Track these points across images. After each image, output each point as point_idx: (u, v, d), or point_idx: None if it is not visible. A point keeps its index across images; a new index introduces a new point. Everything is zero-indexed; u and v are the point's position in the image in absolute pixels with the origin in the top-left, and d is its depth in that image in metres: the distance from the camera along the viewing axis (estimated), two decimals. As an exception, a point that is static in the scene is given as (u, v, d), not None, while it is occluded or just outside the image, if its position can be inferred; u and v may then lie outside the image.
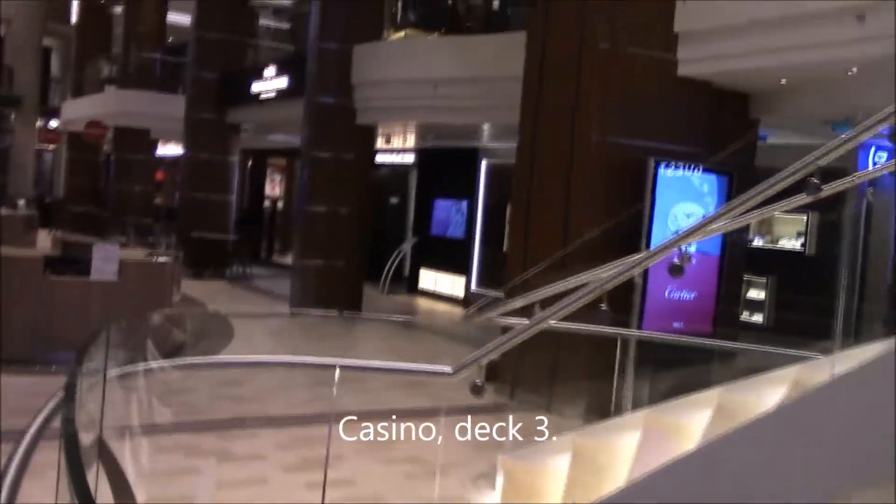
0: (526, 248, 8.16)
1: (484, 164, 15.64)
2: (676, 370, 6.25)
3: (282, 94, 15.44)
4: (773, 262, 10.39)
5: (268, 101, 15.95)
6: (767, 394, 4.33)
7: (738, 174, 7.73)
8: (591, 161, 7.58)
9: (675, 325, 7.29)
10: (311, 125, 13.14)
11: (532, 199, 8.19)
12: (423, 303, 16.11)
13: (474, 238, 15.71)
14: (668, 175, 7.35)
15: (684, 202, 7.44)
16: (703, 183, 7.53)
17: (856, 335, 9.92)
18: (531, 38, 8.33)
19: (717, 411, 4.30)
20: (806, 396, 2.57)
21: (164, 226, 22.07)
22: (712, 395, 4.73)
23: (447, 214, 16.60)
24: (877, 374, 2.32)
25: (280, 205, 23.98)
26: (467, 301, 15.60)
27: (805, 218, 10.39)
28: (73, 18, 28.76)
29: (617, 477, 4.53)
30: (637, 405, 6.61)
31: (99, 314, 8.42)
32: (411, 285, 17.21)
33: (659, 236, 7.34)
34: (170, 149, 25.95)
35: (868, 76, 7.00)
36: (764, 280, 10.42)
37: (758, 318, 10.41)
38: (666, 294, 7.28)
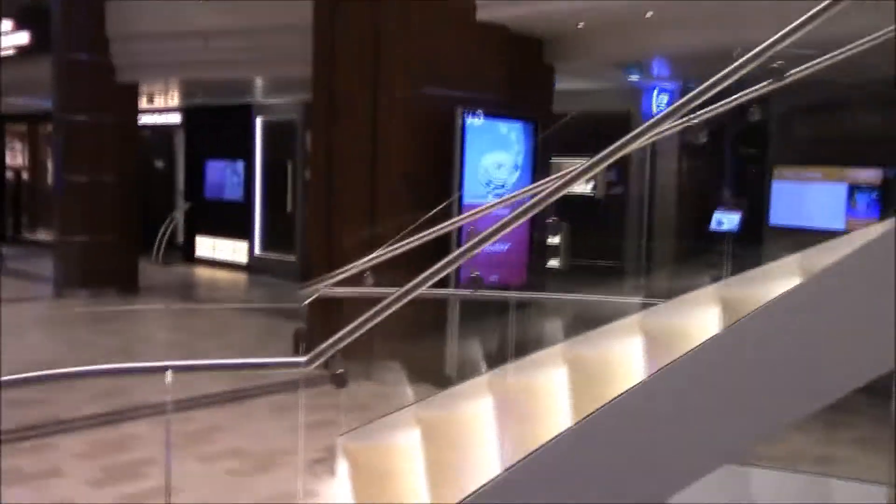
0: (330, 211, 7.63)
1: (259, 121, 14.78)
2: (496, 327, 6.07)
3: (23, 51, 13.68)
4: (565, 208, 10.54)
5: (7, 59, 14.08)
6: (617, 346, 4.20)
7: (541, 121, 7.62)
8: (397, 113, 7.16)
9: (492, 277, 7.08)
10: (62, 85, 11.69)
11: (334, 158, 7.64)
12: (202, 272, 15.11)
13: (254, 200, 14.88)
14: (476, 125, 7.07)
15: (494, 152, 7.21)
16: (510, 131, 7.33)
17: (647, 272, 10.32)
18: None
19: (571, 368, 4.10)
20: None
21: None
22: (556, 352, 4.53)
23: (221, 176, 15.60)
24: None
25: (25, 176, 21.63)
26: (251, 267, 14.81)
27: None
28: None
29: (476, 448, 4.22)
30: (467, 367, 6.38)
31: None
32: (187, 253, 16.10)
33: (471, 188, 7.08)
34: None
35: (662, 19, 7.06)
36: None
37: (554, 262, 10.54)
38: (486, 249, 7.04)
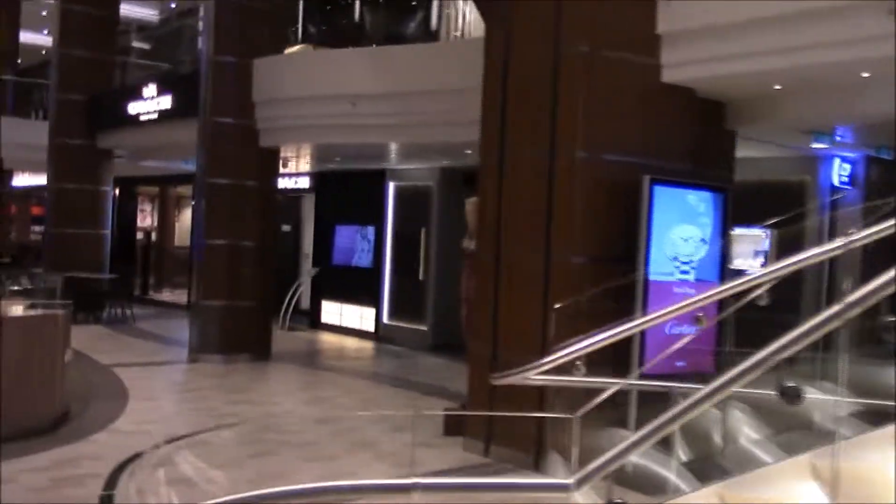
0: (497, 283, 7.09)
1: (392, 186, 14.52)
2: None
3: (165, 115, 13.84)
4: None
5: (148, 122, 14.30)
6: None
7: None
8: (576, 180, 6.61)
9: (678, 364, 6.38)
10: (207, 148, 11.66)
11: (502, 227, 7.14)
12: (329, 338, 14.79)
13: (383, 266, 14.55)
14: (664, 194, 6.47)
15: (682, 224, 6.57)
16: (699, 201, 6.69)
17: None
18: (492, 41, 7.29)
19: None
20: None
21: (21, 265, 19.80)
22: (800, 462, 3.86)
23: (351, 242, 15.36)
24: None
25: (153, 237, 22.04)
26: (379, 335, 14.41)
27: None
28: None
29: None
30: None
31: (-26, 386, 6.79)
32: (313, 319, 15.84)
33: (658, 262, 6.44)
34: (24, 179, 23.53)
35: (874, 80, 6.36)
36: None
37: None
38: (667, 330, 6.37)
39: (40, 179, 24.50)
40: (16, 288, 9.23)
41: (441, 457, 7.16)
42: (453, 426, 7.93)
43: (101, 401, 8.68)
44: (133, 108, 14.58)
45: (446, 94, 9.46)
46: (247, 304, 11.71)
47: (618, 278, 6.41)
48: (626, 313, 6.55)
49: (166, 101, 13.78)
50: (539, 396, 6.19)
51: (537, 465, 6.67)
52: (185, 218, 22.45)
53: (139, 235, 21.65)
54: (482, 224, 7.39)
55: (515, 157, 7.06)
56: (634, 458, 4.84)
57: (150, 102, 14.14)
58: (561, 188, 6.64)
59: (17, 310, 7.42)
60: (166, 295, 20.06)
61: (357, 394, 9.94)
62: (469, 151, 11.27)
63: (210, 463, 6.68)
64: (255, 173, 11.75)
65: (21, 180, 23.37)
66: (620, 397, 6.12)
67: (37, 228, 27.43)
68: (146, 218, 22.79)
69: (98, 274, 15.76)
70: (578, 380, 4.55)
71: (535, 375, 4.65)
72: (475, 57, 7.61)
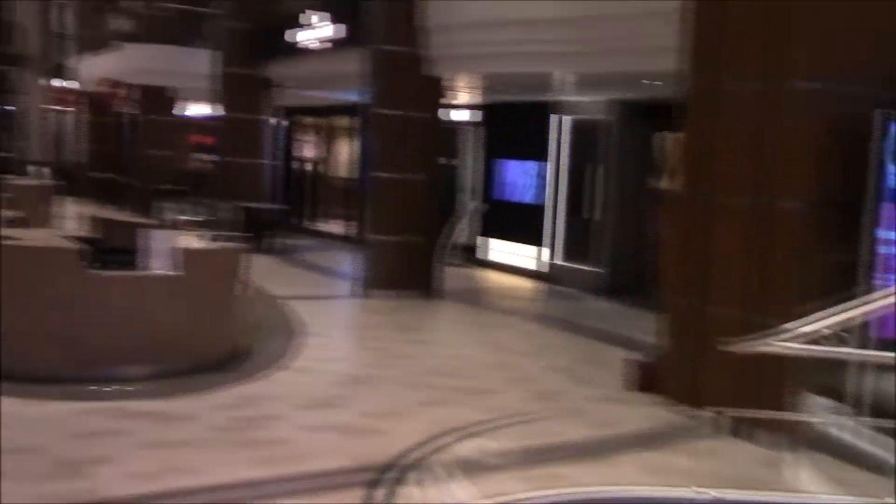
0: (704, 229, 6.34)
1: (565, 120, 13.73)
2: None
3: (330, 45, 13.53)
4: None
5: (313, 52, 14.05)
6: None
7: None
8: (796, 114, 5.75)
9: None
10: (376, 78, 11.26)
11: (707, 165, 6.35)
12: (492, 276, 14.34)
13: (554, 204, 13.87)
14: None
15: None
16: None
17: None
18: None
19: None
20: None
21: (194, 194, 20.33)
22: None
23: (519, 177, 14.76)
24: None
25: (310, 168, 22.13)
26: (547, 275, 13.83)
27: None
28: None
29: None
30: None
31: (154, 319, 6.68)
32: (479, 257, 15.42)
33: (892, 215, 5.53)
34: (195, 109, 24.09)
35: None
36: None
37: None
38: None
39: (200, 109, 25.14)
40: (191, 218, 9.17)
41: (635, 416, 6.58)
42: (644, 381, 7.31)
43: (278, 335, 8.54)
44: (298, 36, 14.36)
45: (635, 18, 8.61)
46: (415, 240, 11.39)
47: (844, 227, 5.58)
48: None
49: (330, 30, 13.45)
50: (767, 363, 5.43)
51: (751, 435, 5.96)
52: (344, 150, 22.42)
53: (301, 166, 21.79)
54: (686, 162, 6.61)
55: (729, 86, 6.21)
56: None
57: (316, 31, 13.86)
58: (781, 122, 5.78)
59: (196, 241, 7.26)
60: (324, 225, 20.14)
61: (530, 338, 9.45)
62: (657, 82, 10.38)
63: (379, 408, 6.35)
64: (423, 104, 11.29)
65: (181, 109, 23.89)
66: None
67: (204, 157, 28.30)
68: (307, 149, 22.91)
69: (264, 203, 15.86)
70: (841, 351, 3.83)
71: (782, 342, 3.94)
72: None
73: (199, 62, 19.48)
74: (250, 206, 14.71)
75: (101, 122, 25.03)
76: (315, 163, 22.10)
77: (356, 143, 18.10)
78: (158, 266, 6.70)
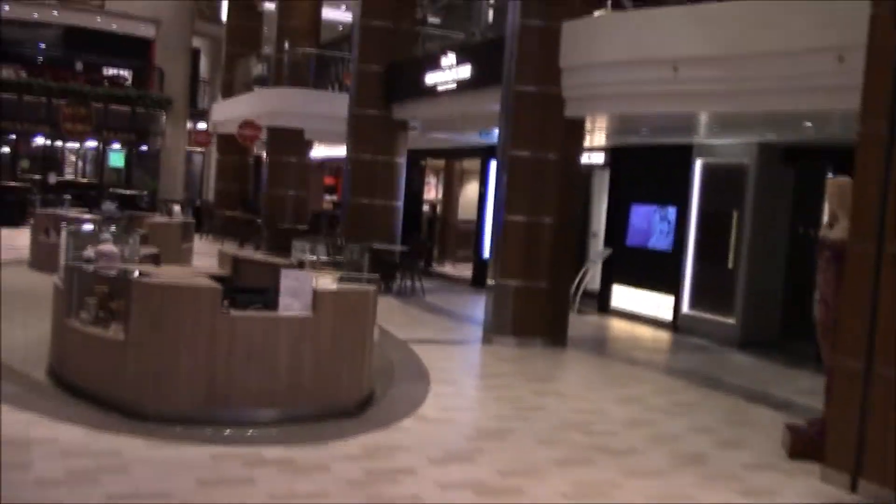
0: (878, 283, 5.76)
1: (698, 163, 13.18)
2: None
3: (463, 85, 13.44)
4: None
5: (445, 92, 13.99)
6: None
7: None
8: None
9: None
10: (509, 118, 11.04)
11: (880, 214, 5.78)
12: (620, 325, 13.79)
13: (685, 250, 13.27)
14: None
15: None
16: None
17: None
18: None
19: None
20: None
21: (317, 233, 20.57)
22: None
23: (648, 222, 14.23)
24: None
25: (438, 210, 22.13)
26: (677, 325, 13.21)
27: None
28: (223, 17, 27.82)
29: None
30: None
31: (286, 362, 6.54)
32: (602, 303, 14.91)
33: None
34: (322, 150, 24.57)
35: None
36: None
37: None
38: None
39: (332, 151, 25.62)
40: (322, 258, 9.10)
41: (792, 487, 5.99)
42: (800, 447, 6.69)
43: (404, 381, 8.31)
44: (430, 78, 14.36)
45: (791, 55, 8.10)
46: (542, 286, 11.02)
47: None
48: None
49: (465, 71, 13.36)
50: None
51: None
52: (468, 192, 22.35)
53: (425, 208, 21.82)
54: (859, 208, 6.04)
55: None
56: None
57: (448, 72, 13.81)
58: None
59: (329, 283, 7.11)
60: (449, 268, 20.01)
61: (667, 393, 8.89)
62: (808, 124, 9.78)
63: (514, 465, 5.98)
64: (557, 145, 10.98)
65: (316, 151, 24.36)
66: None
67: (327, 198, 28.84)
68: (431, 190, 22.97)
69: (390, 245, 15.83)
70: None
71: None
72: (842, 10, 6.25)
73: (330, 104, 19.92)
74: (377, 247, 14.67)
75: (234, 163, 25.83)
76: (439, 205, 22.11)
77: (480, 186, 17.97)
78: (291, 307, 6.56)
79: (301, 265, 8.66)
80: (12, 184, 25.51)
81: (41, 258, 14.52)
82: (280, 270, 7.19)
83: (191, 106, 30.21)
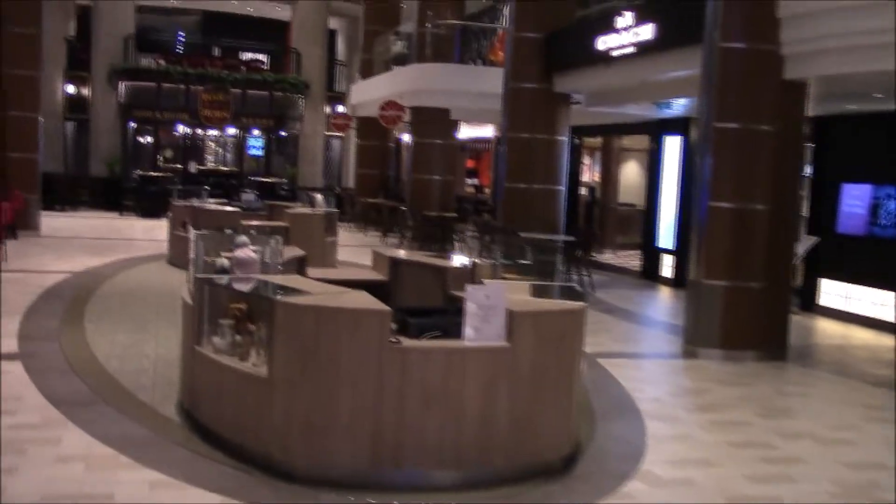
0: None
1: (938, 132, 10.79)
2: None
3: (645, 47, 11.47)
4: None
5: (621, 58, 12.06)
6: None
7: None
8: None
9: None
10: (712, 83, 9.06)
11: None
12: (832, 328, 11.57)
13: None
14: None
15: None
16: None
17: None
18: None
19: None
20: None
21: (464, 221, 19.04)
22: None
23: (863, 205, 11.89)
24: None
25: (593, 194, 20.17)
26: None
27: None
28: (361, -5, 26.60)
29: None
30: None
31: (477, 406, 4.90)
32: (805, 301, 12.67)
33: None
34: (463, 131, 23.00)
35: None
36: None
37: None
38: None
39: (474, 131, 24.00)
40: (503, 261, 7.41)
41: None
42: None
43: (610, 417, 6.55)
44: (601, 42, 12.45)
45: None
46: (754, 286, 9.03)
47: None
48: None
49: (647, 31, 11.38)
50: None
51: None
52: (628, 172, 20.30)
53: (582, 191, 19.93)
54: None
55: None
56: None
57: (625, 34, 11.86)
58: None
59: (525, 298, 5.43)
60: (610, 257, 18.06)
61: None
62: None
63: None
64: (771, 115, 8.94)
65: (457, 131, 22.79)
66: None
67: (469, 182, 27.30)
68: (586, 171, 21.03)
69: (551, 234, 14.06)
70: None
71: None
72: None
73: (477, 80, 18.28)
74: (539, 238, 12.93)
75: (374, 147, 24.61)
76: (598, 188, 20.15)
77: (650, 165, 15.94)
78: (481, 334, 4.92)
79: (474, 267, 7.04)
80: (154, 174, 25.17)
81: (179, 254, 13.55)
82: (457, 281, 5.58)
83: (328, 89, 29.22)
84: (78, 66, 26.29)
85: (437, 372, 4.85)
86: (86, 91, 26.62)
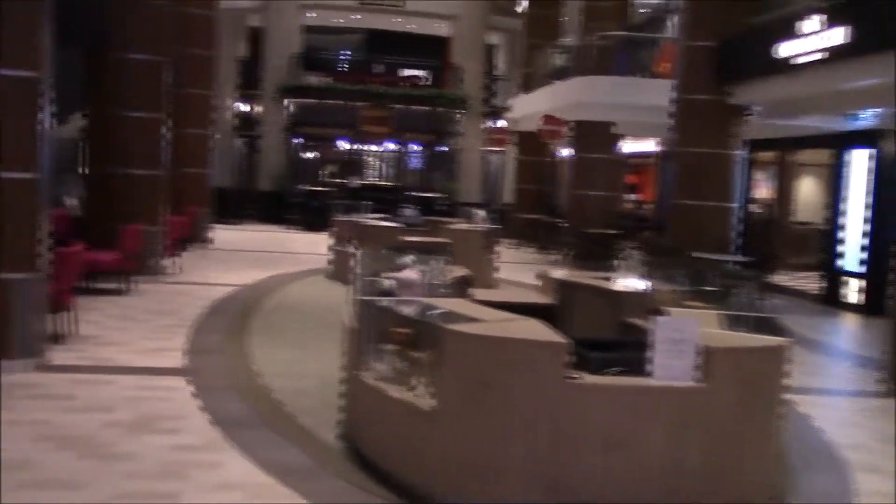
0: None
1: None
2: None
3: (836, 53, 10.51)
4: None
5: (807, 65, 11.13)
6: None
7: None
8: None
9: None
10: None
11: None
12: None
13: None
14: None
15: None
16: None
17: None
18: None
19: None
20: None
21: (650, 243, 18.23)
22: None
23: None
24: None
25: (766, 211, 18.94)
26: None
27: None
28: (521, 8, 26.29)
29: None
30: None
31: (665, 453, 4.36)
32: None
33: None
34: (633, 145, 22.24)
35: None
36: None
37: None
38: None
39: (635, 145, 23.14)
40: (692, 287, 6.78)
41: None
42: None
43: (810, 466, 5.81)
44: (784, 49, 11.55)
45: None
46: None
47: None
48: None
49: (838, 35, 10.42)
50: None
51: None
52: (804, 188, 18.97)
53: (755, 208, 18.75)
54: None
55: None
56: None
57: (812, 39, 10.93)
58: None
59: (717, 332, 4.85)
60: (786, 279, 16.84)
61: None
62: None
63: None
64: None
65: (619, 146, 22.02)
66: None
67: (628, 197, 26.36)
68: (758, 187, 19.80)
69: (723, 255, 13.17)
70: None
71: None
72: None
73: (641, 93, 17.57)
74: (712, 259, 12.11)
75: (533, 162, 24.19)
76: (772, 205, 18.93)
77: (833, 181, 14.73)
78: (670, 372, 4.39)
79: (654, 296, 6.47)
80: (317, 188, 25.71)
81: (341, 269, 13.58)
82: (633, 307, 5.05)
83: (487, 104, 29.07)
84: (248, 86, 27.29)
85: (621, 413, 4.35)
86: (255, 109, 27.59)
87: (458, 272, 6.78)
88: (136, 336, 8.61)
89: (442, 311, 5.13)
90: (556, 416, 4.34)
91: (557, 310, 6.94)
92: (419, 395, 4.89)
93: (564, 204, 20.56)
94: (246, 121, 27.62)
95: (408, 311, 5.34)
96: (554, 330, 4.63)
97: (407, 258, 5.84)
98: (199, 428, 5.82)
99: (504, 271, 14.35)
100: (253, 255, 16.80)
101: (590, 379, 4.41)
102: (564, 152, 25.60)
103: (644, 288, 6.66)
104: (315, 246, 18.49)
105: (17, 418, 5.76)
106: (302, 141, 27.60)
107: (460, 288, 6.71)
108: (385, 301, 5.48)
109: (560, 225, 19.92)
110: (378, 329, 5.41)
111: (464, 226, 14.28)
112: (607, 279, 7.16)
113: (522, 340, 4.43)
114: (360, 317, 5.41)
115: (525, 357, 4.35)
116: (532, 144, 23.31)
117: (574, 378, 4.35)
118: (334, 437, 5.79)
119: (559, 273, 7.50)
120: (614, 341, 5.00)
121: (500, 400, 4.39)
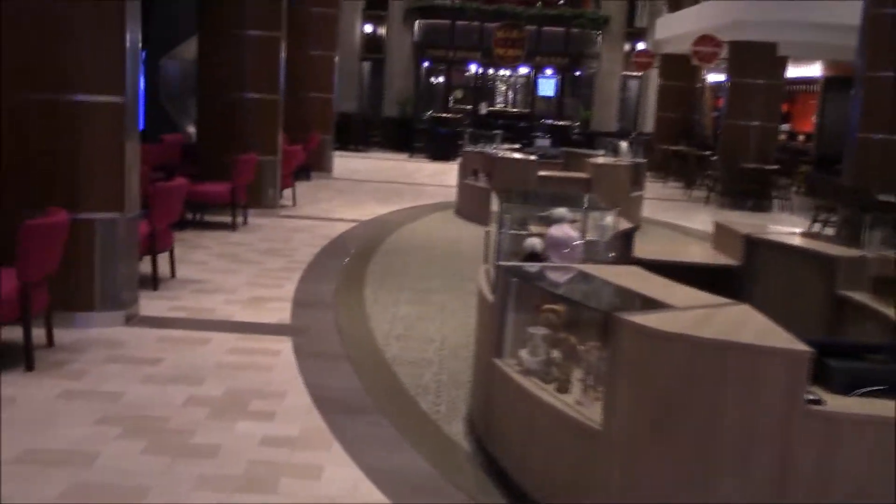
0: None
1: None
2: None
3: None
4: None
5: None
6: None
7: None
8: None
9: None
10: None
11: None
12: None
13: None
14: None
15: None
16: None
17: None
18: None
19: None
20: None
21: (820, 181, 16.29)
22: None
23: None
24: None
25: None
26: None
27: None
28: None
29: None
30: None
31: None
32: None
33: None
34: (801, 70, 19.89)
35: None
36: None
37: None
38: None
39: (793, 70, 20.72)
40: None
41: None
42: None
43: None
44: None
45: None
46: None
47: None
48: None
49: None
50: None
51: None
52: None
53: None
54: None
55: None
56: None
57: None
58: None
59: None
60: None
61: None
62: None
63: None
64: None
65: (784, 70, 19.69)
66: None
67: (783, 128, 23.94)
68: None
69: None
70: None
71: None
72: None
73: (814, 9, 15.43)
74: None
75: (678, 88, 22.14)
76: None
77: None
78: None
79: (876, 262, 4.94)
80: (444, 115, 24.46)
81: (468, 204, 12.40)
82: (851, 278, 3.59)
83: (628, 25, 26.88)
84: (374, 5, 26.04)
85: (883, 454, 2.96)
86: (381, 30, 26.38)
87: (622, 224, 5.40)
88: (239, 281, 7.66)
89: (611, 287, 3.81)
90: (786, 453, 2.99)
91: (743, 274, 5.52)
92: (578, 403, 3.63)
93: (710, 134, 18.60)
94: (371, 43, 26.44)
95: (564, 282, 4.04)
96: (783, 328, 3.23)
97: (561, 211, 4.51)
98: (299, 412, 4.76)
99: (647, 209, 12.81)
100: (375, 186, 15.79)
101: (839, 403, 3.03)
102: (713, 77, 23.40)
103: (862, 253, 5.13)
104: (441, 177, 17.35)
105: (83, 389, 4.84)
106: (430, 65, 26.29)
107: (624, 243, 5.35)
108: (534, 268, 4.20)
109: (710, 158, 18.03)
110: (521, 303, 4.15)
111: (605, 159, 12.72)
112: (815, 239, 5.64)
113: (745, 347, 3.05)
114: (500, 289, 4.14)
115: (748, 372, 2.99)
116: (677, 68, 21.31)
117: (817, 402, 2.98)
118: (462, 430, 4.63)
119: (744, 228, 6.00)
120: (868, 345, 3.58)
121: (700, 425, 3.07)
